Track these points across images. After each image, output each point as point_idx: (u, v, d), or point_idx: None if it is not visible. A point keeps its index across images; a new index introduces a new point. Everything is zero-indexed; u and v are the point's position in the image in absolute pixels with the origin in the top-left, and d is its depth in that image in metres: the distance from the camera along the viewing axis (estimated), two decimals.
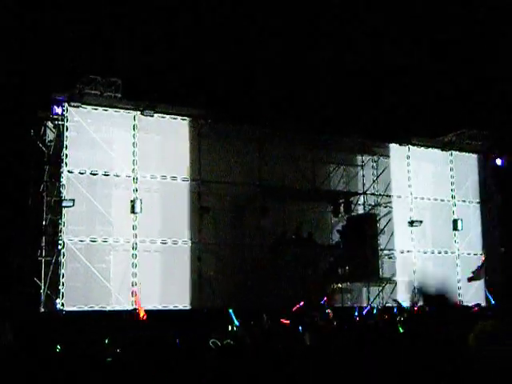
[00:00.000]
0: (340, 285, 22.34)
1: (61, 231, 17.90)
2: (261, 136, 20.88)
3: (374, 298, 22.10)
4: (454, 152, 24.14)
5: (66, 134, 18.17)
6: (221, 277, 19.76)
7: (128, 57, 22.23)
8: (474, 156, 24.52)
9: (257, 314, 16.03)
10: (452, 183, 24.04)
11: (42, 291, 18.16)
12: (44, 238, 18.72)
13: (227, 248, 20.27)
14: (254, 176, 20.74)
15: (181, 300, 19.15)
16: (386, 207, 23.22)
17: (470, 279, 22.81)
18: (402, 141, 23.35)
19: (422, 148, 23.69)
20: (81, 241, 18.15)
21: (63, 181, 18.02)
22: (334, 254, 22.66)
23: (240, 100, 22.76)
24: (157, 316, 17.21)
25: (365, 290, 22.44)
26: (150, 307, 18.31)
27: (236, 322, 14.39)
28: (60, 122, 18.55)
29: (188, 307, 19.09)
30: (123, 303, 18.28)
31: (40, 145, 18.94)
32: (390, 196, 23.02)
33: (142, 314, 16.90)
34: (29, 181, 19.09)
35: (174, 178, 19.60)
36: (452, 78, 24.76)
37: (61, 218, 17.94)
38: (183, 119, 19.94)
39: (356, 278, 22.36)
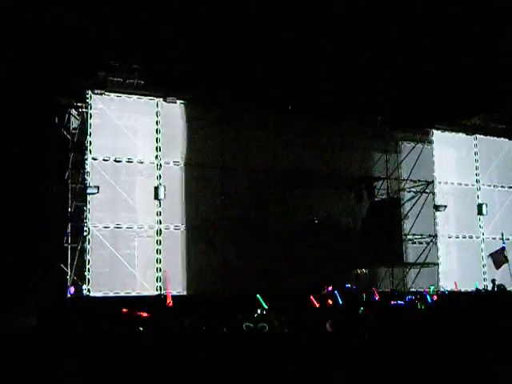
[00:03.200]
0: (364, 270, 22.29)
1: (86, 218, 18.07)
2: (280, 123, 20.80)
3: (398, 283, 22.06)
4: (478, 136, 23.87)
5: (89, 121, 18.29)
6: (243, 262, 19.79)
7: (150, 45, 22.26)
8: (499, 140, 24.21)
9: (280, 298, 16.13)
10: (476, 167, 23.79)
11: (68, 277, 18.37)
12: (70, 224, 18.91)
13: (249, 233, 20.28)
14: (276, 162, 20.70)
15: (203, 286, 19.26)
16: (409, 192, 23.12)
17: (497, 266, 22.44)
18: (426, 125, 23.15)
19: (446, 132, 23.45)
20: (106, 227, 18.30)
21: (87, 168, 18.17)
22: (358, 239, 22.60)
23: (261, 88, 22.71)
24: (183, 302, 17.31)
25: (388, 274, 22.40)
26: (174, 293, 18.48)
27: (265, 306, 14.49)
28: (84, 110, 18.67)
29: (210, 292, 19.16)
30: (148, 289, 18.43)
31: (64, 132, 19.09)
32: (413, 181, 22.88)
33: (168, 300, 17.00)
34: (53, 168, 19.28)
35: (196, 164, 19.67)
36: (475, 61, 24.46)
37: (86, 205, 18.10)
38: (206, 107, 19.95)
39: (379, 262, 22.31)
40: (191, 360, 7.86)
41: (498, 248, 21.95)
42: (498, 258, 21.33)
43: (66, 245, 18.83)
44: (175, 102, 19.34)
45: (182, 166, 19.47)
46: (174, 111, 19.41)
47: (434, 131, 23.13)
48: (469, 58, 24.48)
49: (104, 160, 18.38)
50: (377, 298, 15.85)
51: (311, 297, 14.76)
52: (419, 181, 22.91)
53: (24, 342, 10.27)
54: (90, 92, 18.32)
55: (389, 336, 8.62)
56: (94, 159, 18.25)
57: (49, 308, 16.44)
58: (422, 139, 23.07)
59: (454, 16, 24.48)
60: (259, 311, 13.57)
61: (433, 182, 22.87)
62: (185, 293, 18.82)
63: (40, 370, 8.01)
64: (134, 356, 8.10)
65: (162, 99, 19.17)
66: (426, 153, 23.09)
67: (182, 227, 19.30)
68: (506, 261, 20.51)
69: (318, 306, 13.96)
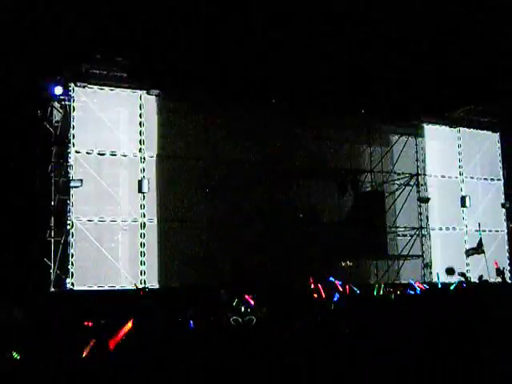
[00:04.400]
0: (348, 262, 22.38)
1: (69, 211, 17.99)
2: (267, 114, 20.80)
3: (383, 275, 22.19)
4: (461, 128, 24.00)
5: (72, 114, 18.18)
6: (225, 256, 19.80)
7: (133, 37, 22.13)
8: (482, 132, 24.36)
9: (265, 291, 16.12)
10: (460, 160, 23.93)
11: (51, 271, 18.30)
12: (53, 218, 18.81)
13: (232, 227, 20.26)
14: (260, 154, 20.71)
15: (186, 278, 19.27)
16: (393, 185, 23.25)
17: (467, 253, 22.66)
18: (412, 118, 23.26)
19: (431, 125, 23.57)
20: (89, 220, 18.22)
21: (71, 161, 18.07)
22: (342, 231, 22.69)
23: (247, 78, 22.66)
24: (170, 295, 17.25)
25: (373, 266, 22.51)
26: (157, 286, 18.49)
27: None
28: (66, 103, 18.55)
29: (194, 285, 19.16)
30: (132, 282, 18.38)
31: (47, 125, 18.95)
32: (397, 174, 23.00)
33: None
34: (36, 162, 19.13)
35: (179, 156, 19.63)
36: (461, 53, 24.55)
37: (69, 199, 18.01)
38: (188, 100, 19.90)
39: (364, 254, 22.41)
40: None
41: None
42: (474, 251, 21.50)
43: (49, 238, 18.73)
44: (158, 95, 19.27)
45: (163, 158, 19.41)
46: (156, 104, 19.33)
47: (424, 125, 23.26)
48: (467, 56, 24.55)
49: (87, 153, 18.29)
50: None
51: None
52: (403, 173, 23.05)
53: (8, 336, 10.18)
54: (72, 84, 18.21)
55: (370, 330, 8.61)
56: (77, 152, 18.15)
57: (36, 302, 16.37)
58: (409, 132, 23.17)
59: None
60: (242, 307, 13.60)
61: (419, 174, 23.00)
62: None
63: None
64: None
65: (145, 92, 19.09)
66: (411, 145, 23.22)
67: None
68: (482, 252, 20.66)
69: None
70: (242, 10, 23.80)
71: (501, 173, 24.55)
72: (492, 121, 24.31)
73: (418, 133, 23.27)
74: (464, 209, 23.50)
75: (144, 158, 18.98)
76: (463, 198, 23.49)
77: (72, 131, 18.12)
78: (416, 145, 23.20)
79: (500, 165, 24.59)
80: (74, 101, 18.21)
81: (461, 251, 23.06)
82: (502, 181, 24.56)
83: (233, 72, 22.77)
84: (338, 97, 21.86)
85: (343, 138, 22.54)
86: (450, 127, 23.86)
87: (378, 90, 23.83)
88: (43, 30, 20.10)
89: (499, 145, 24.61)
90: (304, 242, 21.15)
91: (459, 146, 23.94)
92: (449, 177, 23.77)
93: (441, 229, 23.40)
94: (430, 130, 23.55)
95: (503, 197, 24.38)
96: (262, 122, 20.68)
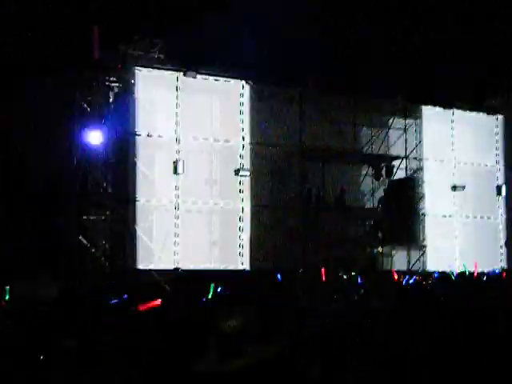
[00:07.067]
0: (380, 249, 22.28)
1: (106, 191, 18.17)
2: (301, 98, 20.71)
3: (414, 263, 22.05)
4: (499, 116, 23.64)
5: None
6: (262, 239, 19.86)
7: (170, 19, 22.09)
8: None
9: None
10: (496, 148, 23.61)
11: (93, 250, 18.50)
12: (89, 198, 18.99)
13: (267, 210, 20.32)
14: (295, 138, 20.66)
15: (222, 260, 19.41)
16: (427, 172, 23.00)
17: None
18: (446, 104, 22.96)
19: (467, 112, 23.25)
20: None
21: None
22: (375, 218, 22.61)
23: (280, 62, 22.50)
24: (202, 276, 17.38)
25: (405, 254, 22.37)
26: (191, 267, 18.62)
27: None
28: (105, 83, 18.64)
29: (230, 267, 19.29)
30: (166, 262, 18.55)
31: (85, 105, 19.07)
32: (433, 160, 22.76)
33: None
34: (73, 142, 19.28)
35: (216, 139, 19.67)
36: (500, 40, 24.07)
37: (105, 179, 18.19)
38: (226, 81, 19.88)
39: (396, 242, 22.28)
40: None
41: None
42: None
43: (84, 217, 18.90)
44: (195, 77, 19.27)
45: (200, 140, 19.46)
46: (194, 86, 19.33)
47: (455, 110, 22.95)
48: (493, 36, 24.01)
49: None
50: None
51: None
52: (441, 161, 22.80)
53: (46, 312, 10.31)
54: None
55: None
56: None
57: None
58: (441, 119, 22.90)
59: None
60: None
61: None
62: (202, 267, 18.88)
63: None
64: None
65: (182, 74, 19.10)
66: (444, 132, 22.94)
67: (200, 202, 19.38)
68: None
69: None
70: None
71: None
72: None
73: (453, 120, 22.97)
74: (499, 197, 23.24)
75: (179, 140, 19.01)
76: (499, 187, 23.21)
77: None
78: (452, 132, 22.89)
79: None
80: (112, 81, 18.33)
81: (495, 239, 22.85)
82: None
83: None
84: (377, 82, 21.60)
85: (379, 124, 22.37)
86: (488, 114, 23.51)
87: (414, 73, 23.49)
88: (83, 11, 20.17)
89: None
90: (333, 228, 21.14)
91: (496, 133, 23.61)
92: (485, 165, 23.47)
93: (475, 217, 23.14)
94: (465, 116, 23.21)
95: None
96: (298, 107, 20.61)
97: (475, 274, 17.62)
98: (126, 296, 10.99)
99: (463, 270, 18.65)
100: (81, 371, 6.99)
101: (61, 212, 19.07)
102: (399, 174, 22.61)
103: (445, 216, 22.71)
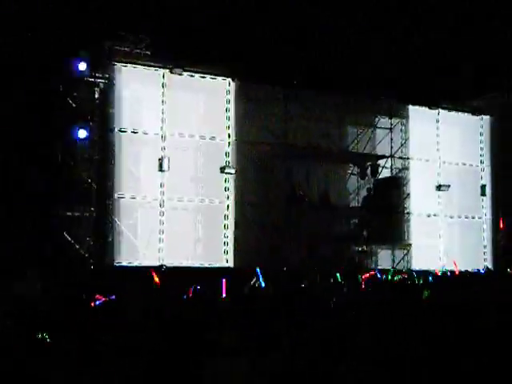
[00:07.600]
0: (365, 247, 22.36)
1: (90, 188, 18.11)
2: (287, 96, 20.73)
3: (399, 262, 22.14)
4: (484, 116, 23.79)
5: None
6: (246, 236, 19.87)
7: (157, 15, 22.05)
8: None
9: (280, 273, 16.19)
10: (481, 148, 23.76)
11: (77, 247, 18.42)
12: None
13: (252, 207, 20.33)
14: (280, 136, 20.67)
15: (207, 258, 19.39)
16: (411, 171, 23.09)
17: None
18: (432, 104, 23.06)
19: (453, 112, 23.38)
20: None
21: None
22: (360, 217, 22.70)
23: (266, 60, 22.49)
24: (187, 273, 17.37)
25: (389, 253, 22.47)
26: (176, 264, 18.58)
27: (262, 283, 14.50)
28: (90, 79, 18.56)
29: (214, 265, 19.28)
30: (150, 259, 18.51)
31: (70, 101, 18.97)
32: (418, 160, 22.86)
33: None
34: (58, 138, 19.19)
35: (202, 136, 19.65)
36: (488, 39, 24.19)
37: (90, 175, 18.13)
38: (212, 78, 19.86)
39: (381, 241, 22.37)
40: None
41: None
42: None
43: (68, 213, 18.81)
44: (181, 74, 19.24)
45: (186, 137, 19.43)
46: (180, 82, 19.30)
47: (440, 110, 23.07)
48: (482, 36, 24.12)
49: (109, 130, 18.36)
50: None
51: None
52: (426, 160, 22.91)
53: (27, 310, 10.26)
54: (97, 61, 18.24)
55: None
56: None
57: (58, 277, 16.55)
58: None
59: None
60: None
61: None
62: (189, 264, 18.86)
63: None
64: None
65: (168, 70, 19.06)
66: (430, 131, 23.04)
67: (186, 199, 19.35)
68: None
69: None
70: None
71: None
72: None
73: (438, 119, 23.08)
74: (484, 197, 23.39)
75: (165, 137, 18.98)
76: (483, 187, 23.36)
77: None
78: (437, 131, 23.01)
79: None
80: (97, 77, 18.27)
81: (479, 239, 23.00)
82: None
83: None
84: (363, 81, 21.65)
85: (365, 123, 22.44)
86: (473, 114, 23.65)
87: (400, 73, 23.56)
88: (68, 6, 20.06)
89: None
90: (318, 227, 21.18)
91: (481, 133, 23.76)
92: (470, 165, 23.61)
93: (459, 217, 23.29)
94: (451, 116, 23.34)
95: None
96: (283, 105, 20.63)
97: (456, 272, 17.74)
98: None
99: (443, 270, 18.73)
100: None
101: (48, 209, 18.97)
102: (384, 173, 22.73)
103: (429, 215, 22.83)
